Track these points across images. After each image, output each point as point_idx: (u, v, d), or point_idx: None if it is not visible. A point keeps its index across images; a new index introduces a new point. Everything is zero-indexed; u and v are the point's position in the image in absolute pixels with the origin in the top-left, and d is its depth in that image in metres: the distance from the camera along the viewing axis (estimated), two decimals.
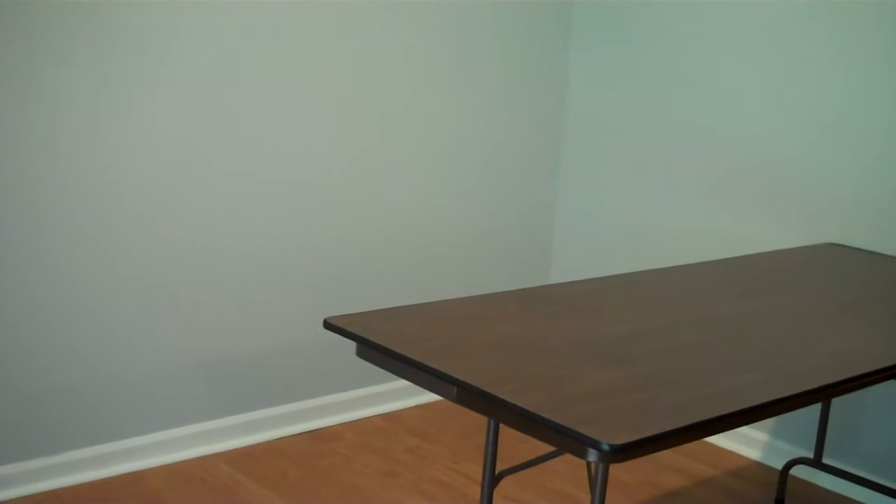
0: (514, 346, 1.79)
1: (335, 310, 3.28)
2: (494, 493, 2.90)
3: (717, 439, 3.37)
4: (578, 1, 3.68)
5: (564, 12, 3.68)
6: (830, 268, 2.67)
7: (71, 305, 2.71)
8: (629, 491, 2.97)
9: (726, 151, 3.28)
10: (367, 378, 3.43)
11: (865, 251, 2.93)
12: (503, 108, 3.59)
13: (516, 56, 3.58)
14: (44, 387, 2.70)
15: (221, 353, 3.05)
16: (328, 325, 1.85)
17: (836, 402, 3.05)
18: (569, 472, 3.06)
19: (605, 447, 1.39)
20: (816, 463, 2.92)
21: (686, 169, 3.40)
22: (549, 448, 3.21)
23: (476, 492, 2.91)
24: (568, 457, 3.14)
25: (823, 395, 1.72)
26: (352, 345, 3.35)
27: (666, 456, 3.23)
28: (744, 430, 3.29)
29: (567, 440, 1.46)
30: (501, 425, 3.24)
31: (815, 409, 3.08)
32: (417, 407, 3.54)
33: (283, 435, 3.21)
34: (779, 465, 3.20)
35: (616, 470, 3.09)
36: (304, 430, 3.26)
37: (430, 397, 3.61)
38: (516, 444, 3.21)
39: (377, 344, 1.76)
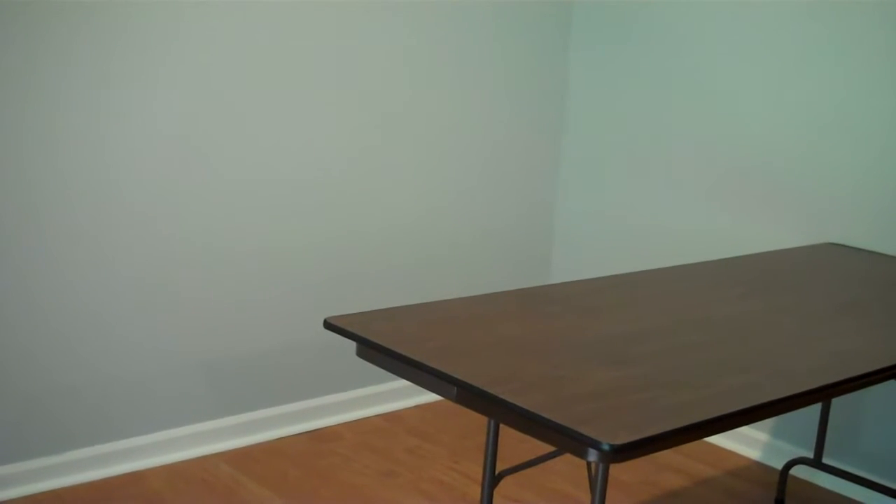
0: (515, 346, 1.79)
1: (335, 310, 3.28)
2: (494, 493, 2.90)
3: (718, 439, 3.37)
4: (578, 1, 3.68)
5: (564, 12, 3.68)
6: (830, 268, 2.67)
7: (71, 305, 2.71)
8: (629, 491, 2.97)
9: (726, 151, 3.28)
10: (367, 378, 3.43)
11: (865, 251, 2.93)
12: (503, 108, 3.59)
13: (516, 56, 3.58)
14: (44, 387, 2.70)
15: (221, 352, 3.05)
16: (328, 325, 1.85)
17: (837, 402, 3.05)
18: (569, 472, 3.06)
19: (606, 447, 1.39)
20: (816, 463, 2.92)
21: (686, 169, 3.40)
22: (550, 448, 3.21)
23: (476, 492, 2.91)
24: (568, 457, 3.14)
25: (823, 395, 1.72)
26: (352, 345, 3.35)
27: (666, 456, 3.23)
28: (744, 430, 3.30)
29: (567, 440, 1.46)
30: (501, 425, 3.24)
31: (816, 409, 3.08)
32: (417, 407, 3.54)
33: (283, 435, 3.21)
34: (779, 465, 3.20)
35: (616, 470, 3.09)
36: (304, 430, 3.26)
37: (430, 397, 3.61)
38: (516, 444, 3.21)
39: (377, 344, 1.76)
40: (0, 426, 2.65)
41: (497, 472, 2.04)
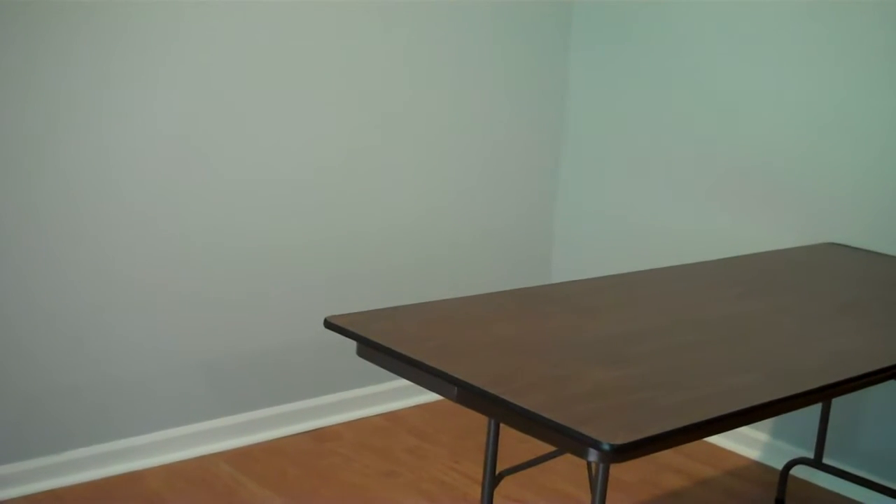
0: (515, 346, 1.79)
1: (335, 309, 3.28)
2: (495, 493, 2.90)
3: (718, 439, 3.37)
4: (578, 1, 3.68)
5: (564, 12, 3.68)
6: (830, 268, 2.67)
7: (71, 305, 2.71)
8: (629, 491, 2.97)
9: (726, 151, 3.28)
10: (368, 378, 3.43)
11: (865, 251, 2.93)
12: (503, 108, 3.59)
13: (516, 56, 3.58)
14: (44, 386, 2.70)
15: (221, 352, 3.05)
16: (328, 324, 1.85)
17: (837, 402, 3.05)
18: (569, 471, 3.06)
19: (606, 447, 1.39)
20: (817, 463, 2.91)
21: (686, 168, 3.40)
22: (550, 448, 3.21)
23: (476, 492, 2.91)
24: (568, 457, 3.14)
25: (823, 395, 1.72)
26: (352, 344, 3.35)
27: (666, 456, 3.23)
28: (744, 430, 3.30)
29: (567, 440, 1.46)
30: (502, 425, 3.24)
31: (816, 409, 3.08)
32: (418, 406, 3.54)
33: (283, 434, 3.21)
34: (779, 466, 3.20)
35: (616, 470, 3.09)
36: (304, 430, 3.26)
37: (430, 397, 3.61)
38: (516, 444, 3.21)
39: (377, 343, 1.76)
40: (0, 426, 2.65)
41: (497, 472, 2.04)
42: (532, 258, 3.83)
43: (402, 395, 3.52)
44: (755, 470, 3.18)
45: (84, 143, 2.65)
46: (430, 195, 3.45)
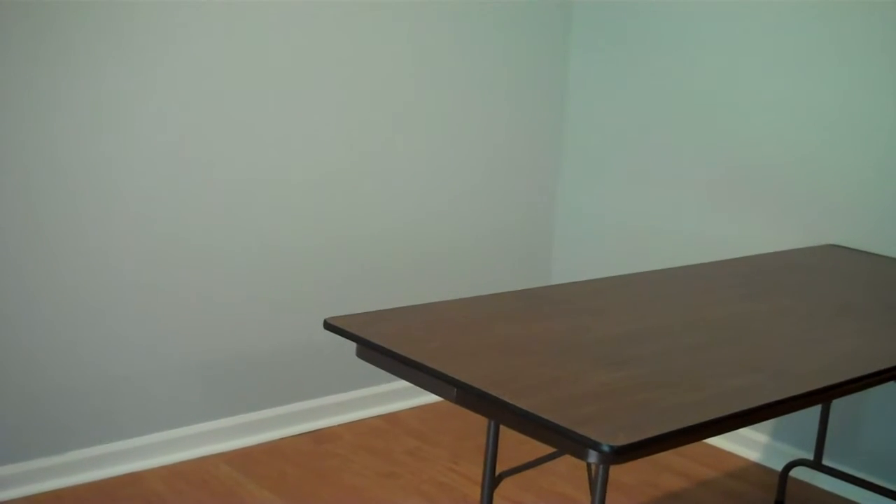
0: (515, 347, 1.79)
1: (335, 310, 3.28)
2: (494, 494, 2.89)
3: (717, 441, 3.37)
4: (579, 2, 3.68)
5: (565, 13, 3.68)
6: (831, 269, 2.66)
7: (72, 307, 2.71)
8: (629, 492, 2.96)
9: (727, 152, 3.28)
10: (367, 379, 3.43)
11: (867, 253, 2.93)
12: (504, 109, 3.59)
13: (516, 57, 3.58)
14: (44, 387, 2.70)
15: (222, 353, 3.05)
16: (328, 325, 1.85)
17: (837, 404, 3.05)
18: (569, 473, 3.06)
19: (606, 448, 1.39)
20: (816, 464, 2.91)
21: (687, 170, 3.40)
22: (549, 449, 3.20)
23: (476, 493, 2.91)
24: (568, 458, 3.14)
25: (824, 396, 1.72)
26: (352, 345, 3.35)
27: (666, 457, 3.23)
28: (744, 431, 3.29)
29: (567, 441, 1.46)
30: (501, 427, 3.24)
31: (815, 410, 3.08)
32: (417, 408, 3.54)
33: (283, 436, 3.21)
34: (779, 467, 3.20)
35: (616, 471, 3.09)
36: (304, 431, 3.26)
37: (429, 398, 3.61)
38: (516, 446, 3.21)
39: (377, 345, 1.76)
40: (0, 427, 2.65)
41: (497, 474, 2.04)
42: (532, 259, 3.83)
43: (401, 397, 3.52)
44: (755, 471, 3.18)
45: (84, 142, 2.65)
46: (429, 196, 3.45)
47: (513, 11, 3.52)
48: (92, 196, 2.69)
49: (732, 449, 3.32)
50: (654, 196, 3.51)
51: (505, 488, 2.93)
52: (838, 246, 3.00)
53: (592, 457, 1.43)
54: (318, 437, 3.24)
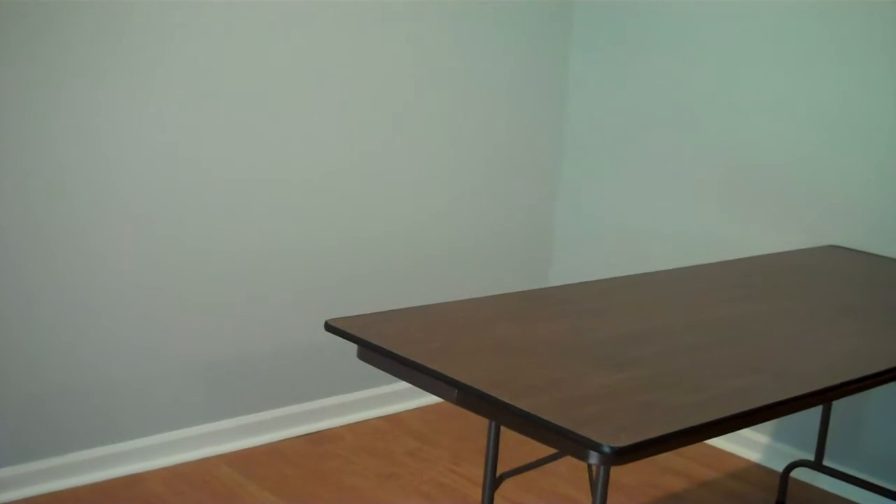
0: (515, 349, 1.79)
1: (336, 312, 3.28)
2: (495, 495, 2.89)
3: (718, 441, 3.36)
4: (580, 2, 3.68)
5: (565, 13, 3.68)
6: (832, 270, 2.66)
7: (72, 306, 2.71)
8: (630, 493, 2.96)
9: (728, 153, 3.28)
10: (368, 380, 3.43)
11: (867, 253, 2.93)
12: (504, 109, 3.59)
13: (517, 57, 3.58)
14: (45, 389, 2.70)
15: (222, 354, 3.05)
16: (329, 327, 1.85)
17: (837, 405, 3.05)
18: (570, 474, 3.06)
19: (607, 449, 1.39)
20: (817, 465, 2.91)
21: (687, 171, 3.40)
22: (550, 450, 3.20)
23: (477, 494, 2.91)
24: (569, 459, 3.13)
25: (824, 397, 1.72)
26: (352, 347, 3.35)
27: (667, 458, 3.23)
28: (745, 432, 3.29)
29: (568, 442, 1.46)
30: (502, 428, 3.24)
31: (816, 411, 3.08)
32: (418, 409, 3.54)
33: (283, 437, 3.21)
34: (779, 468, 3.20)
35: (617, 472, 3.09)
36: (304, 433, 3.26)
37: (430, 399, 3.61)
38: (517, 447, 3.21)
39: (378, 346, 1.76)
40: (1, 428, 2.65)
41: (498, 475, 2.03)
42: (532, 261, 3.83)
43: (402, 398, 3.52)
44: (756, 472, 3.18)
45: (84, 143, 2.65)
46: (429, 198, 3.45)
47: (513, 11, 3.52)
48: (91, 196, 2.69)
49: (733, 450, 3.32)
50: (655, 197, 3.51)
51: (506, 489, 2.93)
52: (839, 247, 3.00)
53: (593, 458, 1.43)
54: (318, 438, 3.24)
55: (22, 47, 2.50)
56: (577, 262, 3.81)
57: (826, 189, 3.04)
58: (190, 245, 2.90)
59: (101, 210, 2.71)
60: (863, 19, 2.91)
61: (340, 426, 3.34)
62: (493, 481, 2.02)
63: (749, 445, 3.28)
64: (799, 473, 3.15)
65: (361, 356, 1.83)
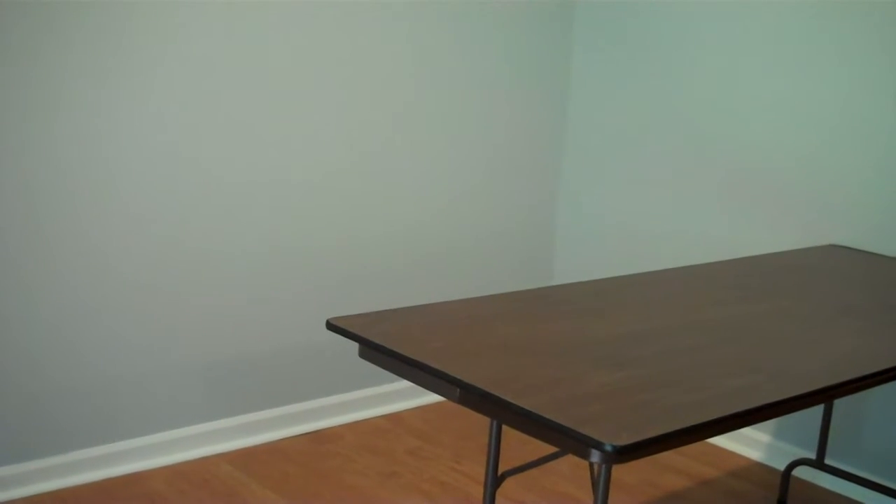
0: (517, 348, 1.79)
1: (337, 311, 3.29)
2: (497, 493, 2.89)
3: (719, 440, 3.37)
4: (580, 2, 3.68)
5: (566, 13, 3.68)
6: (832, 269, 2.67)
7: (74, 307, 2.71)
8: (631, 492, 2.97)
9: (728, 153, 3.28)
10: (369, 379, 3.43)
11: (867, 253, 2.93)
12: (505, 109, 3.59)
13: (518, 57, 3.58)
14: (45, 387, 2.71)
15: (223, 353, 3.05)
16: (330, 325, 1.86)
17: (839, 403, 3.05)
18: (571, 472, 3.06)
19: (608, 448, 1.39)
20: (819, 464, 2.91)
21: (688, 170, 3.40)
22: (551, 449, 3.21)
23: (478, 493, 2.91)
24: (570, 458, 3.14)
25: (825, 396, 1.72)
26: (354, 346, 3.35)
27: (668, 457, 3.23)
28: (746, 431, 3.29)
29: (569, 441, 1.46)
30: (504, 426, 3.24)
31: (818, 409, 3.08)
32: (419, 408, 3.54)
33: (284, 436, 3.21)
34: (781, 466, 3.20)
35: (617, 471, 3.09)
36: (305, 431, 3.26)
37: (432, 398, 3.61)
38: (518, 445, 3.21)
39: (379, 345, 1.76)
40: (1, 427, 2.65)
41: (499, 473, 2.04)
42: (534, 260, 3.83)
43: (403, 397, 3.52)
44: (757, 471, 3.18)
45: (84, 143, 2.66)
46: (431, 197, 3.45)
47: (514, 11, 3.52)
48: (92, 196, 2.69)
49: (735, 448, 3.32)
50: (655, 196, 3.51)
51: (507, 488, 2.93)
52: (838, 246, 3.01)
53: (595, 456, 1.44)
54: (319, 437, 3.24)
55: (23, 47, 2.50)
56: (577, 262, 3.81)
57: (826, 188, 3.04)
58: (191, 245, 2.91)
59: (101, 210, 2.72)
60: (863, 19, 2.91)
61: (341, 425, 3.34)
62: (495, 480, 2.03)
63: (750, 444, 3.28)
64: (800, 472, 3.15)
65: (363, 355, 1.83)
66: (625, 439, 1.41)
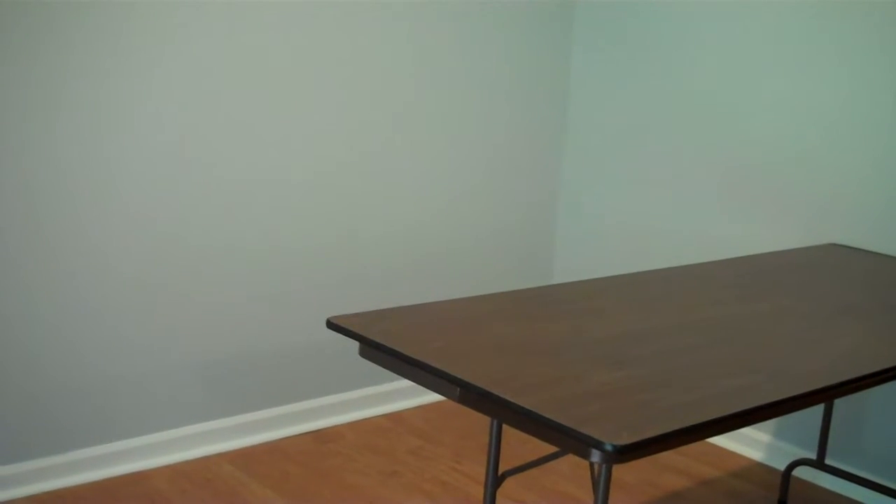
0: (517, 347, 1.79)
1: (337, 310, 3.29)
2: (497, 493, 2.89)
3: (720, 440, 3.37)
4: (580, 2, 3.68)
5: (566, 13, 3.68)
6: (833, 268, 2.67)
7: (72, 306, 2.71)
8: (631, 492, 2.97)
9: (728, 152, 3.28)
10: (370, 378, 3.43)
11: (868, 252, 2.93)
12: (505, 108, 3.60)
13: (518, 56, 3.58)
14: (46, 387, 2.71)
15: (224, 352, 3.05)
16: (331, 324, 1.86)
17: (839, 403, 3.05)
18: (571, 472, 3.07)
19: (609, 447, 1.39)
20: (819, 464, 2.91)
21: (688, 169, 3.40)
22: (552, 449, 3.21)
23: (478, 492, 2.91)
24: (571, 457, 3.14)
25: (826, 396, 1.72)
26: (354, 345, 3.35)
27: (668, 457, 3.23)
28: (746, 430, 3.30)
29: (570, 440, 1.46)
30: (504, 426, 3.24)
31: (818, 409, 3.08)
32: (420, 407, 3.54)
33: (285, 435, 3.21)
34: (781, 466, 3.20)
35: (618, 471, 3.09)
36: (306, 431, 3.26)
37: (432, 397, 3.61)
38: (519, 445, 3.21)
39: (380, 344, 1.76)
40: (2, 426, 2.65)
41: (500, 473, 2.04)
42: (534, 259, 3.83)
43: (404, 396, 3.52)
44: (757, 471, 3.18)
45: (84, 142, 2.66)
46: (431, 196, 3.45)
47: (513, 11, 3.52)
48: (92, 196, 2.69)
49: (735, 448, 3.32)
50: (655, 196, 3.51)
51: (507, 487, 2.93)
52: (838, 245, 3.01)
53: (595, 456, 1.44)
54: (320, 436, 3.24)
55: (23, 47, 2.50)
56: (577, 262, 3.81)
57: (826, 187, 3.04)
58: (191, 244, 2.91)
59: (101, 209, 2.72)
60: (863, 19, 2.91)
61: (342, 424, 3.34)
62: (495, 479, 2.03)
63: (751, 444, 3.28)
64: (801, 472, 3.15)
65: (363, 354, 1.83)
66: (625, 439, 1.41)
